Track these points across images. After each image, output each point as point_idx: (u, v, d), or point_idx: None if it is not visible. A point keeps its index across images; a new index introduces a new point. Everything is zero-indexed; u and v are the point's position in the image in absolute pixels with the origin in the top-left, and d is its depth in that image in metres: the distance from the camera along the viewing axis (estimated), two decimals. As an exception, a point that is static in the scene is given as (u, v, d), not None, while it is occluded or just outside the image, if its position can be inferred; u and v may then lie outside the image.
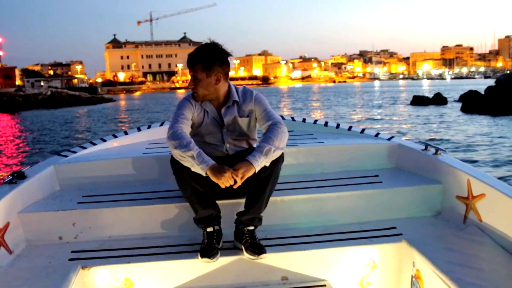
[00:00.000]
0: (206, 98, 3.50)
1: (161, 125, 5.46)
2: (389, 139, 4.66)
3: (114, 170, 4.21)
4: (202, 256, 3.21)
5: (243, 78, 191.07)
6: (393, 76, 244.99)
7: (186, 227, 3.64)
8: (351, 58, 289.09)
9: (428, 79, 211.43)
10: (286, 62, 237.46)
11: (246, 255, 3.27)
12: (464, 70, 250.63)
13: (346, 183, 4.01)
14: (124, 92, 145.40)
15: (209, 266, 3.25)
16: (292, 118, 5.69)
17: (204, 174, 3.17)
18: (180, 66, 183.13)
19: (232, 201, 3.61)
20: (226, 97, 3.53)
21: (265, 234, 3.53)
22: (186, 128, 3.37)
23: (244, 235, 3.35)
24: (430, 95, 52.98)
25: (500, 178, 3.45)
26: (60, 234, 3.61)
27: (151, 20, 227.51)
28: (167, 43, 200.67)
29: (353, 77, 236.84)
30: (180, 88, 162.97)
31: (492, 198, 3.25)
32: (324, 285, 3.32)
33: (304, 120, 5.61)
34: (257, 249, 3.25)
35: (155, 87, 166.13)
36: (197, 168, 3.17)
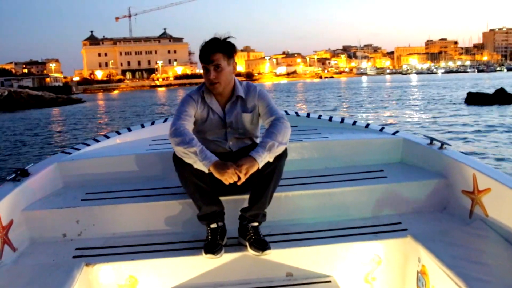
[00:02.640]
0: (223, 90, 3.53)
1: (165, 121, 5.51)
2: (394, 133, 4.69)
3: (118, 167, 4.25)
4: (206, 253, 3.23)
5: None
6: (381, 71, 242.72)
7: (189, 223, 3.67)
8: (335, 53, 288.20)
9: (417, 73, 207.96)
10: (270, 58, 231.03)
11: (250, 251, 3.28)
12: (451, 64, 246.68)
13: (350, 178, 4.03)
14: (102, 91, 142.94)
15: (213, 263, 3.27)
16: (296, 113, 5.69)
17: (207, 171, 3.18)
18: (160, 63, 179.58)
19: (236, 197, 3.64)
20: (231, 91, 3.57)
21: (269, 230, 3.55)
22: (188, 125, 3.40)
23: (248, 231, 3.36)
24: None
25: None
26: (64, 231, 3.65)
27: (129, 16, 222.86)
28: (147, 39, 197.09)
29: (340, 73, 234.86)
30: (160, 86, 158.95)
31: (498, 193, 3.25)
32: (329, 281, 3.33)
33: (308, 115, 5.64)
34: (262, 245, 3.26)
35: (134, 85, 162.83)
36: (199, 165, 3.18)
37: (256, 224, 3.37)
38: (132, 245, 3.46)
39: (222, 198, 3.47)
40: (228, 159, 3.20)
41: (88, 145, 4.72)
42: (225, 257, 3.28)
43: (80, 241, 3.58)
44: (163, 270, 3.27)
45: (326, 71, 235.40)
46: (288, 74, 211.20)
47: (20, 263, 3.25)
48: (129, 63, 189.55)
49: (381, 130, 4.88)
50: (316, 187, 3.87)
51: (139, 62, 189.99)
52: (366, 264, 3.38)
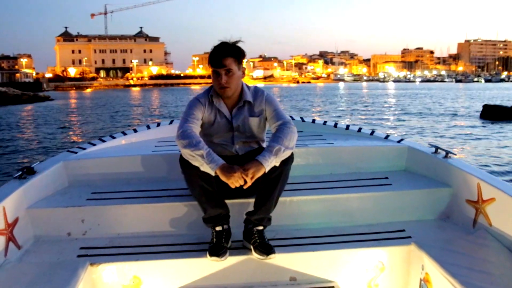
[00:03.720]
0: (233, 94, 3.57)
1: (170, 123, 5.57)
2: (399, 141, 4.76)
3: (123, 167, 4.30)
4: (211, 255, 3.25)
5: (202, 76, 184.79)
6: (358, 78, 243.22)
7: (194, 225, 3.70)
8: (311, 59, 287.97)
9: (394, 81, 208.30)
10: (247, 61, 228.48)
11: (254, 255, 3.31)
12: (427, 73, 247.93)
13: (355, 185, 4.09)
14: (74, 88, 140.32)
15: (218, 265, 3.30)
16: (302, 118, 5.79)
17: (213, 174, 3.21)
18: (135, 62, 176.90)
19: (241, 200, 3.68)
20: (239, 95, 3.61)
21: (274, 234, 3.59)
22: (195, 128, 3.43)
23: (253, 235, 3.39)
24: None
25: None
26: (69, 230, 3.68)
27: (105, 13, 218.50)
28: (122, 37, 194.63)
29: (317, 78, 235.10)
30: (135, 85, 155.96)
31: (503, 203, 3.29)
32: (332, 287, 3.38)
33: (313, 121, 5.72)
34: (266, 249, 3.29)
35: (108, 84, 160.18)
36: (206, 168, 3.21)
37: (261, 228, 3.41)
38: (136, 245, 3.49)
39: (227, 201, 3.51)
40: (234, 162, 3.23)
41: (94, 144, 4.76)
42: (230, 260, 3.31)
43: (85, 240, 3.61)
44: (167, 271, 3.29)
45: (303, 76, 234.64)
46: (265, 78, 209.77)
47: (25, 260, 3.28)
48: (103, 61, 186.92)
49: (386, 137, 4.93)
50: (321, 193, 3.92)
51: (113, 61, 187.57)
52: (370, 271, 3.41)
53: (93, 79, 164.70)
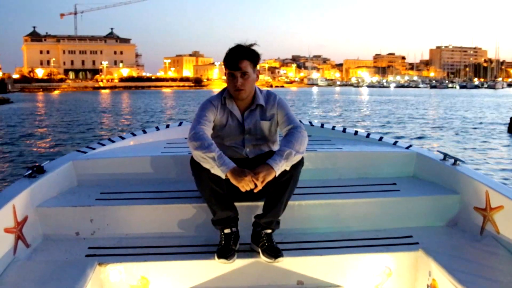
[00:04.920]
0: (247, 97, 3.62)
1: (180, 125, 5.58)
2: (407, 147, 4.81)
3: (133, 168, 4.33)
4: (219, 257, 3.29)
5: (174, 79, 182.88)
6: (332, 83, 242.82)
7: (203, 227, 3.75)
8: (284, 63, 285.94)
9: (368, 87, 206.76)
10: (220, 64, 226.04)
11: (262, 258, 3.35)
12: (399, 79, 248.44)
13: (363, 190, 4.14)
14: (41, 90, 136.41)
15: (225, 268, 3.34)
16: (310, 123, 5.83)
17: (223, 177, 3.26)
18: (105, 63, 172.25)
19: (250, 203, 3.73)
20: (252, 98, 3.67)
21: (282, 237, 3.64)
22: (208, 130, 3.48)
23: (261, 238, 3.43)
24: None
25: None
26: (78, 229, 3.71)
27: (75, 13, 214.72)
28: (92, 38, 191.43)
29: (291, 82, 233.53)
30: (104, 87, 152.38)
31: (511, 210, 3.32)
32: None
33: (322, 125, 5.76)
34: (274, 253, 3.33)
35: (76, 85, 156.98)
36: (217, 170, 3.24)
37: (269, 231, 3.44)
38: (145, 246, 3.52)
39: (236, 204, 3.55)
40: (244, 165, 3.28)
41: (104, 145, 4.80)
42: (238, 263, 3.34)
43: (93, 240, 3.65)
44: (175, 273, 3.32)
45: (276, 80, 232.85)
46: None
47: (33, 259, 3.31)
48: (72, 62, 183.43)
49: (394, 143, 4.98)
50: (329, 197, 3.97)
51: (83, 62, 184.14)
52: (377, 276, 3.44)
53: (62, 80, 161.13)
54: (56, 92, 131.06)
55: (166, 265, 3.31)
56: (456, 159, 4.14)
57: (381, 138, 5.19)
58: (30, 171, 3.80)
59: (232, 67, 3.47)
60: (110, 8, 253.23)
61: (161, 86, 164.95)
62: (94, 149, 4.64)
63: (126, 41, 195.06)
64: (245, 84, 3.50)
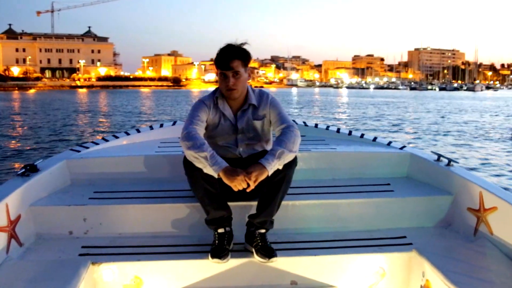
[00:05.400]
0: (239, 96, 3.64)
1: (173, 124, 5.60)
2: (401, 148, 4.84)
3: (126, 167, 4.33)
4: (213, 257, 3.30)
5: (152, 79, 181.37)
6: (311, 84, 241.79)
7: (196, 227, 3.77)
8: (263, 63, 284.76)
9: (348, 88, 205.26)
10: (199, 64, 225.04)
11: (256, 258, 3.37)
12: (377, 80, 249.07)
13: (357, 190, 4.16)
14: (17, 88, 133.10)
15: (219, 267, 3.35)
16: (304, 123, 5.83)
17: (216, 176, 3.28)
18: (82, 62, 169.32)
19: (244, 203, 3.74)
20: (244, 98, 3.69)
21: (276, 237, 3.65)
22: (200, 130, 3.50)
23: (255, 238, 3.45)
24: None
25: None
26: (71, 228, 3.72)
27: (52, 11, 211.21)
28: (70, 36, 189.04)
29: (270, 83, 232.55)
30: (81, 86, 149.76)
31: (504, 212, 3.34)
32: None
33: (316, 125, 5.77)
34: (268, 253, 3.34)
35: (53, 84, 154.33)
36: (209, 170, 3.27)
37: (263, 231, 3.46)
38: (138, 245, 3.53)
39: (230, 204, 3.57)
40: (237, 165, 3.30)
41: (97, 144, 4.80)
42: (231, 263, 3.36)
43: (86, 239, 3.65)
44: (168, 272, 3.33)
45: (256, 80, 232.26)
46: (217, 81, 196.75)
47: (26, 258, 3.30)
48: (49, 60, 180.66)
49: (388, 144, 5.00)
50: (323, 197, 3.99)
51: (60, 61, 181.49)
52: (370, 276, 3.47)
53: (38, 79, 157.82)
54: (32, 91, 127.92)
55: (160, 264, 3.32)
56: (450, 160, 4.18)
57: (375, 139, 5.21)
58: (24, 170, 3.78)
59: (224, 67, 3.48)
60: (87, 6, 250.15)
61: (139, 86, 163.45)
62: (87, 148, 4.63)
63: (104, 39, 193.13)
64: (237, 84, 3.52)
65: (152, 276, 3.31)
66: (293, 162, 3.47)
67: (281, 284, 3.42)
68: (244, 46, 3.57)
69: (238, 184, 3.18)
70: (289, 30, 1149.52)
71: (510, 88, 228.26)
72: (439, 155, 4.33)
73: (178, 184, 4.04)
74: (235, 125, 3.67)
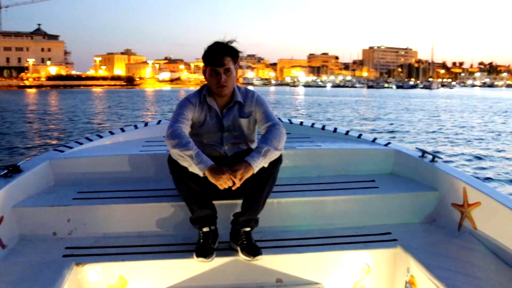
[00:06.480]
0: (228, 93, 3.66)
1: (158, 123, 5.56)
2: (386, 144, 4.88)
3: (111, 166, 4.31)
4: (198, 256, 3.32)
5: (104, 78, 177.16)
6: (267, 82, 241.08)
7: (181, 226, 3.77)
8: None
9: (305, 86, 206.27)
10: (153, 63, 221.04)
11: (241, 256, 3.40)
12: (333, 78, 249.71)
13: (342, 187, 4.20)
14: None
15: (204, 266, 3.37)
16: (290, 120, 5.87)
17: (201, 175, 3.29)
18: (31, 61, 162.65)
19: (229, 201, 3.76)
20: (231, 95, 3.71)
21: (261, 235, 3.67)
22: (185, 128, 3.50)
23: (240, 236, 3.47)
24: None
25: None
26: (54, 229, 3.69)
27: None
28: (18, 34, 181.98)
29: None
30: (30, 86, 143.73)
31: (488, 207, 3.40)
32: None
33: (301, 123, 5.78)
34: (253, 251, 3.37)
35: (0, 84, 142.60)
36: (195, 168, 3.28)
37: (248, 229, 3.48)
38: (123, 246, 3.53)
39: (215, 202, 3.58)
40: (223, 163, 3.32)
41: (81, 143, 4.76)
42: (216, 261, 3.38)
43: (71, 240, 3.62)
44: (153, 272, 3.33)
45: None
46: (171, 81, 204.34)
47: (9, 260, 3.26)
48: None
49: (373, 141, 5.05)
50: (308, 195, 4.01)
51: (7, 59, 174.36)
52: (356, 273, 3.51)
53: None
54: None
55: (145, 264, 3.32)
56: (434, 156, 4.23)
57: (360, 136, 5.24)
58: (6, 171, 3.74)
59: (215, 64, 3.50)
60: (37, 2, 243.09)
61: (91, 85, 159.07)
62: (71, 148, 4.59)
63: (54, 37, 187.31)
64: (228, 81, 3.54)
65: (137, 276, 3.31)
66: (279, 160, 3.49)
67: (266, 282, 3.44)
68: (233, 44, 3.59)
69: (223, 183, 3.19)
70: (244, 28, 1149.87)
71: (462, 86, 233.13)
72: (424, 151, 4.38)
73: (163, 183, 4.04)
74: (220, 123, 3.66)
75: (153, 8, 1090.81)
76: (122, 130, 5.37)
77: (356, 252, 3.49)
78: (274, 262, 3.42)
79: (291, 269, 3.44)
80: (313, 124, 5.76)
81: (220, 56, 3.50)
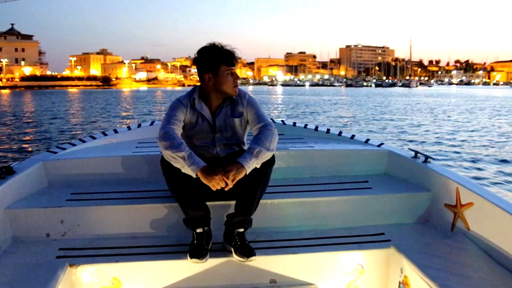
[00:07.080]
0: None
1: (151, 124, 5.56)
2: (379, 145, 4.90)
3: (104, 168, 4.31)
4: (192, 257, 3.33)
5: (80, 78, 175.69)
6: (245, 81, 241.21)
7: (175, 227, 3.78)
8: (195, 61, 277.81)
9: (283, 85, 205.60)
10: (129, 62, 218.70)
11: (235, 257, 3.41)
12: (310, 77, 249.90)
13: (335, 188, 4.22)
14: None
15: (198, 267, 3.38)
16: (283, 121, 5.86)
17: (194, 176, 3.29)
18: (4, 61, 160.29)
19: (222, 202, 3.77)
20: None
21: (255, 236, 3.69)
22: (177, 130, 3.51)
23: (233, 237, 3.48)
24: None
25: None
26: (48, 231, 3.68)
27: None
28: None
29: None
30: (3, 87, 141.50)
31: (480, 207, 3.41)
32: None
33: (294, 124, 5.77)
34: (247, 252, 3.39)
35: None
36: (187, 170, 3.29)
37: (241, 230, 3.49)
38: (116, 247, 3.53)
39: (208, 203, 3.59)
40: (215, 164, 3.33)
41: (74, 145, 4.76)
42: (210, 262, 3.38)
43: (64, 241, 3.62)
44: (147, 273, 3.34)
45: (189, 79, 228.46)
46: (148, 81, 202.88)
47: (3, 262, 3.25)
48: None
49: (366, 141, 5.06)
50: (301, 196, 4.02)
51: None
52: (349, 274, 3.53)
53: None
54: None
55: (138, 265, 3.33)
56: (427, 157, 4.25)
57: (352, 136, 5.26)
58: None
59: (233, 65, 3.57)
60: (10, 2, 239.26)
61: (66, 86, 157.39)
62: (64, 149, 4.58)
63: (28, 37, 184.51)
64: (236, 82, 3.65)
65: (130, 277, 3.32)
66: (271, 161, 3.50)
67: (260, 283, 3.46)
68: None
69: (216, 184, 3.21)
70: (220, 27, 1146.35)
71: (439, 84, 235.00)
72: (416, 152, 4.40)
73: (156, 184, 4.05)
74: (213, 124, 3.67)
75: (129, 7, 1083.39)
76: (115, 131, 5.35)
77: (349, 252, 3.50)
78: (267, 263, 3.43)
79: (285, 270, 3.45)
80: (306, 125, 5.73)
81: (235, 57, 3.58)
